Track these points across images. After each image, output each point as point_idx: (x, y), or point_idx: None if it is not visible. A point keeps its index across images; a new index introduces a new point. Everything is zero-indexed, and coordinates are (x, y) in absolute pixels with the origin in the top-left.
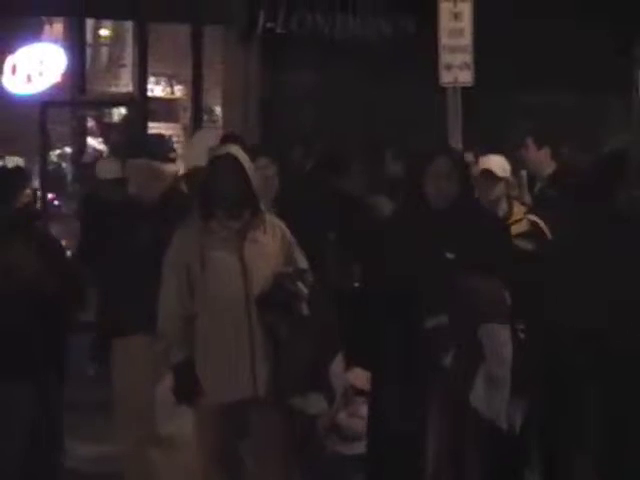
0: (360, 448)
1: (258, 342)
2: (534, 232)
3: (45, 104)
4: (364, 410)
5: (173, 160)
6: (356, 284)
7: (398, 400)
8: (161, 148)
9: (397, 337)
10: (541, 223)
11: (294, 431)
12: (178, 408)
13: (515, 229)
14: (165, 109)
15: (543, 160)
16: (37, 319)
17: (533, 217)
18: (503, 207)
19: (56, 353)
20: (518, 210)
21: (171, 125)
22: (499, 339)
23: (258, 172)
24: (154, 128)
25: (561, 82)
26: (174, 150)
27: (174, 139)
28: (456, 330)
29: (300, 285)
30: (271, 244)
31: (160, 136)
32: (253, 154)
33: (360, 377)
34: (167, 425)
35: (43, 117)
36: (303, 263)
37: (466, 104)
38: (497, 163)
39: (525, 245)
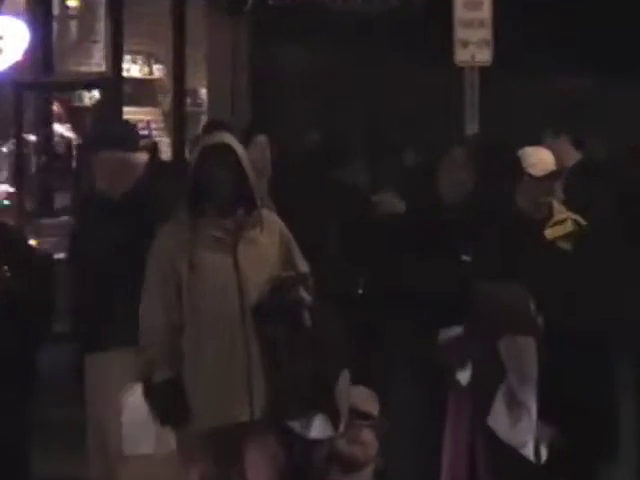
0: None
1: (255, 357)
2: (579, 233)
3: (9, 85)
4: (368, 436)
5: (142, 148)
6: (360, 291)
7: (409, 422)
8: (131, 135)
9: (407, 351)
10: (585, 223)
11: (290, 458)
12: (155, 427)
13: (558, 231)
14: (143, 91)
15: (567, 151)
16: (2, 327)
17: (577, 216)
18: (544, 208)
19: (25, 367)
20: (559, 209)
21: (149, 110)
22: (523, 353)
23: (255, 150)
24: (130, 113)
25: (590, 65)
26: (142, 137)
27: (153, 126)
28: (473, 343)
29: (302, 292)
30: (269, 245)
31: (126, 122)
32: (246, 137)
33: (364, 397)
34: (138, 446)
35: (18, 101)
36: (304, 266)
37: (485, 86)
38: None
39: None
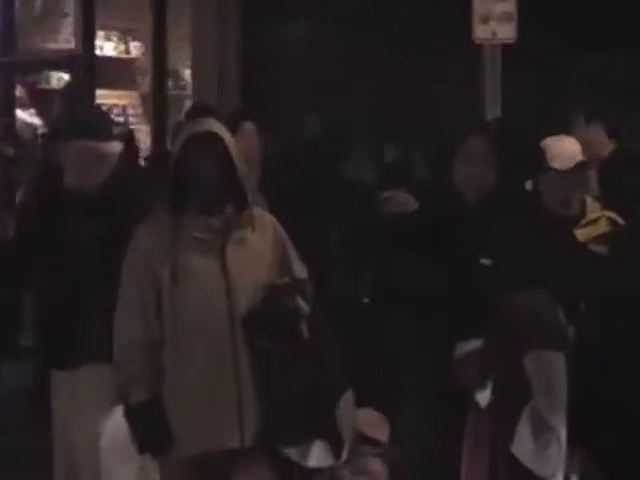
0: None
1: (246, 375)
2: (615, 234)
3: None
4: (375, 465)
5: (117, 137)
6: (366, 299)
7: (421, 449)
8: (105, 122)
9: (419, 367)
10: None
11: None
12: (136, 457)
13: (591, 231)
14: (118, 72)
15: (601, 139)
16: None
17: (612, 214)
18: (574, 205)
19: None
20: (592, 207)
21: (125, 93)
22: (551, 370)
23: (243, 139)
24: (104, 97)
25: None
26: (115, 124)
27: (130, 111)
28: (494, 358)
29: (300, 300)
30: (262, 247)
31: (99, 107)
32: (234, 123)
33: (371, 421)
34: (118, 476)
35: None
36: (302, 271)
37: (507, 66)
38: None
39: (602, 251)
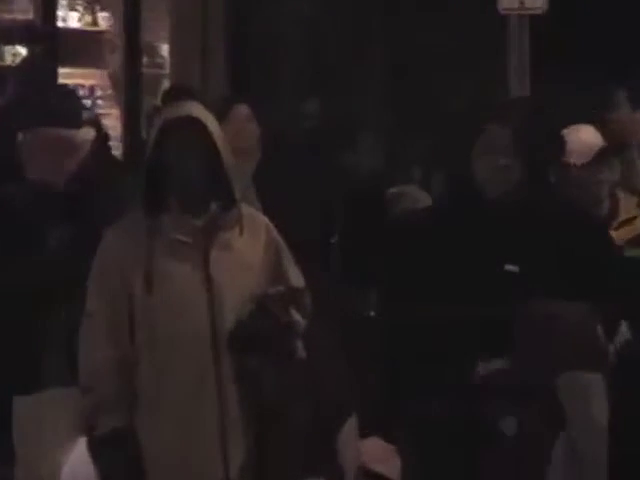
0: None
1: (231, 400)
2: None
3: None
4: None
5: (85, 123)
6: (372, 312)
7: None
8: (72, 106)
9: (433, 391)
10: None
11: None
12: None
13: (626, 233)
14: (84, 48)
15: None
16: None
17: None
18: (603, 203)
19: None
20: (627, 204)
21: (93, 72)
22: (589, 395)
23: (232, 126)
24: (67, 76)
25: None
26: (85, 107)
27: (98, 92)
28: (522, 381)
29: (295, 313)
30: (251, 252)
31: (63, 87)
32: (221, 108)
33: (378, 453)
34: None
35: None
36: (298, 280)
37: (536, 39)
38: (584, 137)
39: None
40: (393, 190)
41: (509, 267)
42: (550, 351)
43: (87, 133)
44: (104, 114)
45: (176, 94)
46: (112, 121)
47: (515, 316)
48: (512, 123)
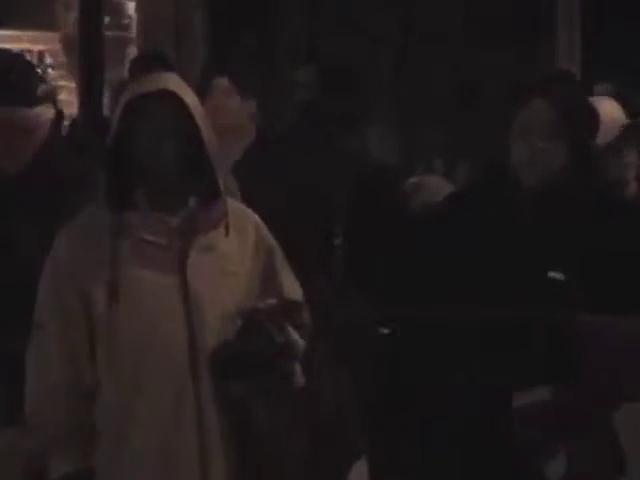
0: None
1: (213, 434)
2: None
3: None
4: None
5: (47, 99)
6: (386, 330)
7: None
8: (25, 81)
9: (463, 425)
10: None
11: None
12: None
13: None
14: (32, 5)
15: None
16: None
17: None
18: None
19: None
20: None
21: (43, 35)
22: None
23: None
24: (12, 40)
25: None
26: (44, 81)
27: (48, 60)
28: (571, 414)
29: (291, 331)
30: (239, 256)
31: (19, 57)
32: (200, 80)
33: None
34: None
35: None
36: (295, 291)
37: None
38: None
39: None
40: (413, 179)
41: (553, 274)
42: (608, 377)
43: (44, 111)
44: (57, 87)
45: (146, 63)
46: (66, 95)
47: (562, 333)
48: (558, 100)
